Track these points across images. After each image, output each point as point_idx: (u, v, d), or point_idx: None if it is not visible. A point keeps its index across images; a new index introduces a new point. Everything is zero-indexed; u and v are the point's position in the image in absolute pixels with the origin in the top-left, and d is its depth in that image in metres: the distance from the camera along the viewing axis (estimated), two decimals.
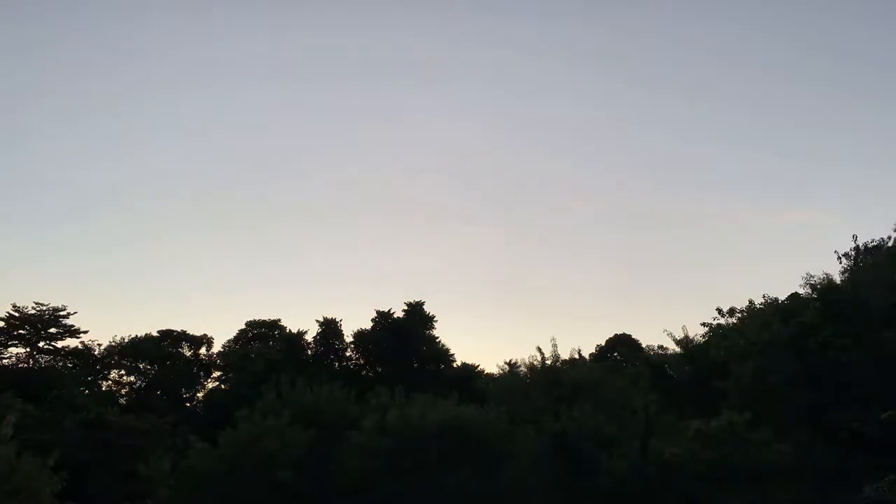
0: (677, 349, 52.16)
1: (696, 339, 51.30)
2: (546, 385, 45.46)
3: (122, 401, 57.86)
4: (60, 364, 57.28)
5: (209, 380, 67.74)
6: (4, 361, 54.71)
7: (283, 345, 63.35)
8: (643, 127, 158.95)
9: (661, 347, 60.98)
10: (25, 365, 54.47)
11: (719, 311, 53.28)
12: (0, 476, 20.43)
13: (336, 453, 33.23)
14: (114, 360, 63.81)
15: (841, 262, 50.68)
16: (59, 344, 56.08)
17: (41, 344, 55.15)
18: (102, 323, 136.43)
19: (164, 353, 66.32)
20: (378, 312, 64.31)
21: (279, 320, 69.73)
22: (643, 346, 70.64)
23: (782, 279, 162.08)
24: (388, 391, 36.47)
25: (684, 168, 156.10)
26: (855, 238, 50.41)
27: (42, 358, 56.30)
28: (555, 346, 47.79)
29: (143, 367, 64.78)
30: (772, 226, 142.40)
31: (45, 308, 54.25)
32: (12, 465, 20.93)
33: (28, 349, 55.10)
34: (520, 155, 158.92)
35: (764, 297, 52.76)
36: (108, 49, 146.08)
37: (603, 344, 77.03)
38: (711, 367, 45.51)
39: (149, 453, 37.55)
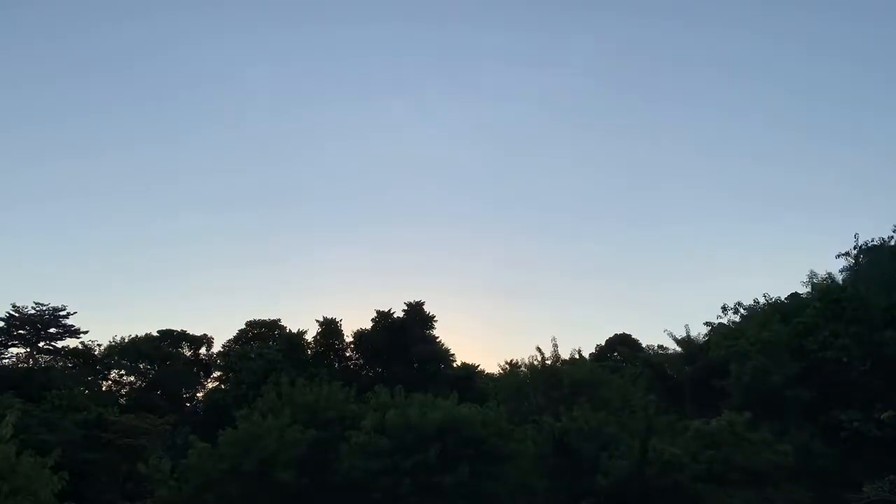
0: (677, 349, 52.14)
1: (696, 338, 51.29)
2: (546, 385, 45.39)
3: (122, 401, 57.74)
4: (60, 364, 57.19)
5: (209, 380, 67.73)
6: (4, 361, 54.66)
7: (283, 345, 63.27)
8: (644, 128, 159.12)
9: (661, 347, 60.99)
10: (25, 365, 54.36)
11: (721, 309, 53.53)
12: (0, 476, 20.37)
13: (336, 453, 33.20)
14: (114, 360, 63.76)
15: (841, 258, 50.79)
16: (59, 344, 56.05)
17: (41, 344, 55.09)
18: (102, 323, 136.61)
19: (164, 353, 66.27)
20: (378, 312, 64.32)
21: (279, 320, 69.93)
22: (643, 346, 70.70)
23: (782, 279, 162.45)
24: (388, 391, 36.44)
25: (684, 168, 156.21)
26: (857, 237, 50.60)
27: (42, 358, 56.23)
28: (555, 346, 47.85)
29: (143, 367, 64.71)
30: (772, 226, 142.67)
31: (45, 308, 54.22)
32: (12, 464, 20.87)
33: (28, 349, 55.03)
34: (520, 155, 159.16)
35: (764, 296, 52.98)
36: (105, 48, 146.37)
37: (603, 344, 77.15)
38: (711, 367, 45.48)
39: (149, 453, 37.58)
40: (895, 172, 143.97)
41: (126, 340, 65.26)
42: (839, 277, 48.96)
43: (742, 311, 52.11)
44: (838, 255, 50.72)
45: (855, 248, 50.29)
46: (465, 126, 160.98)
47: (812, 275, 48.68)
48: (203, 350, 69.89)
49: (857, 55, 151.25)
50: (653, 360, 55.30)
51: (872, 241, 50.11)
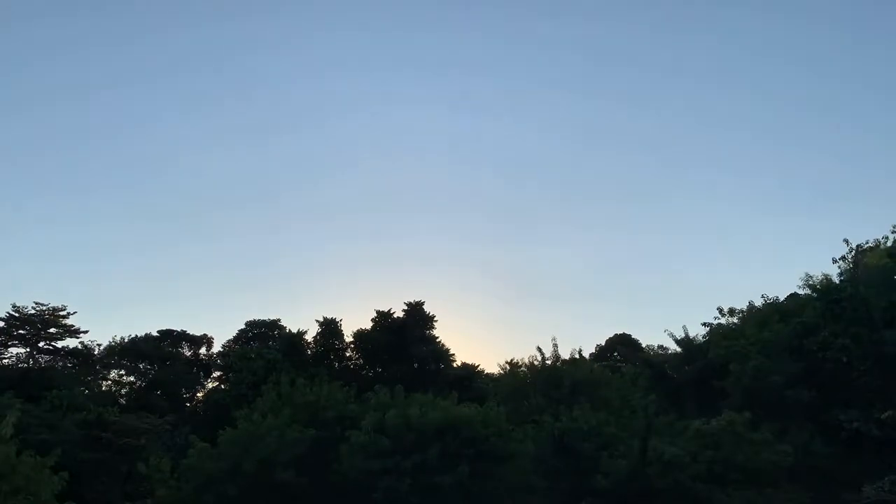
0: (677, 349, 52.16)
1: (696, 339, 51.32)
2: (546, 385, 45.42)
3: (122, 401, 57.76)
4: (60, 364, 57.16)
5: (209, 380, 67.77)
6: (4, 361, 54.66)
7: (283, 345, 63.23)
8: (645, 128, 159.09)
9: (661, 347, 61.10)
10: (25, 365, 54.35)
11: (720, 310, 53.55)
12: (0, 476, 20.39)
13: (336, 453, 33.22)
14: (114, 360, 63.77)
15: (837, 265, 50.89)
16: (59, 344, 55.96)
17: (41, 344, 55.01)
18: (102, 323, 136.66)
19: (164, 353, 66.31)
20: (378, 312, 64.23)
21: (279, 320, 69.88)
22: (643, 346, 70.78)
23: (782, 279, 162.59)
24: (388, 391, 36.47)
25: (685, 169, 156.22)
26: (847, 242, 50.68)
27: (42, 358, 56.20)
28: (555, 346, 47.88)
29: (143, 367, 64.74)
30: (772, 226, 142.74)
31: (45, 308, 54.12)
32: (12, 464, 20.89)
33: (28, 349, 54.99)
34: (520, 155, 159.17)
35: (764, 296, 53.01)
36: (107, 52, 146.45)
37: (603, 344, 77.21)
38: (711, 367, 45.47)
39: (149, 453, 37.61)
40: (887, 174, 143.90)
41: (126, 340, 65.31)
42: (836, 279, 48.93)
43: (738, 314, 52.12)
44: (835, 260, 50.76)
45: (851, 251, 50.33)
46: (466, 128, 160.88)
47: (807, 277, 48.71)
48: (203, 350, 69.98)
49: (856, 62, 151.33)
50: (653, 360, 55.32)
51: (867, 242, 50.22)
